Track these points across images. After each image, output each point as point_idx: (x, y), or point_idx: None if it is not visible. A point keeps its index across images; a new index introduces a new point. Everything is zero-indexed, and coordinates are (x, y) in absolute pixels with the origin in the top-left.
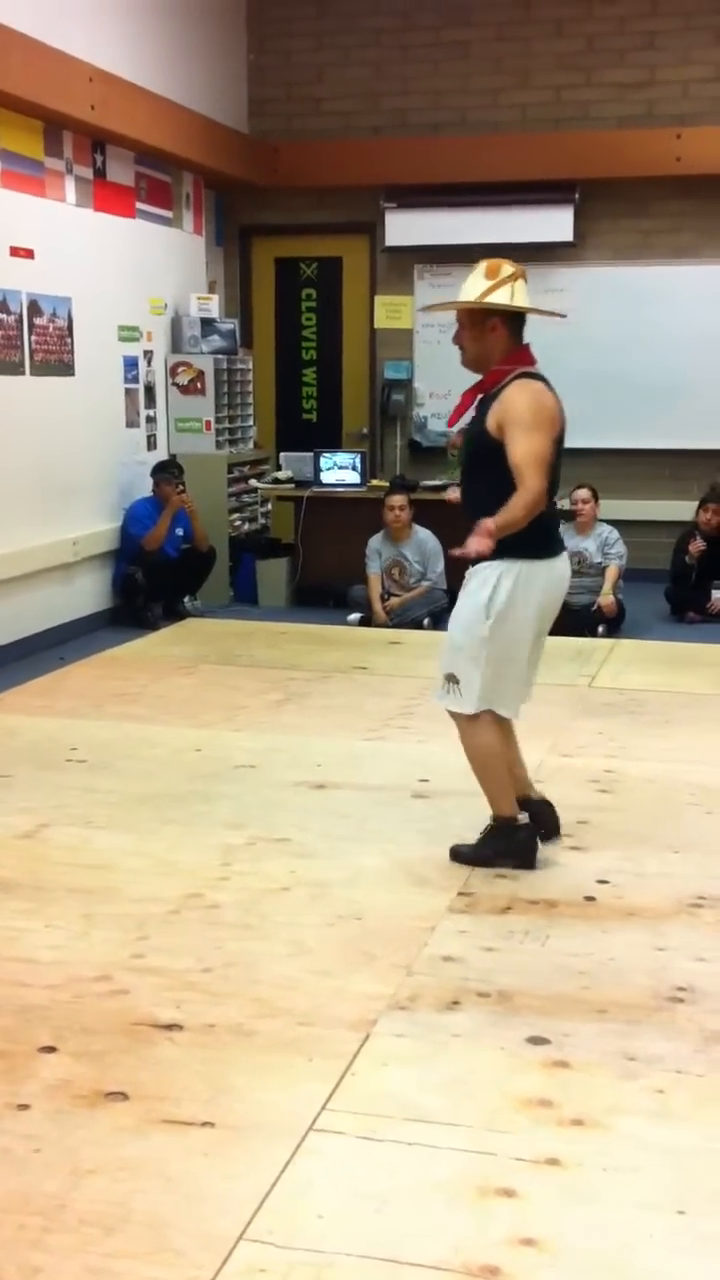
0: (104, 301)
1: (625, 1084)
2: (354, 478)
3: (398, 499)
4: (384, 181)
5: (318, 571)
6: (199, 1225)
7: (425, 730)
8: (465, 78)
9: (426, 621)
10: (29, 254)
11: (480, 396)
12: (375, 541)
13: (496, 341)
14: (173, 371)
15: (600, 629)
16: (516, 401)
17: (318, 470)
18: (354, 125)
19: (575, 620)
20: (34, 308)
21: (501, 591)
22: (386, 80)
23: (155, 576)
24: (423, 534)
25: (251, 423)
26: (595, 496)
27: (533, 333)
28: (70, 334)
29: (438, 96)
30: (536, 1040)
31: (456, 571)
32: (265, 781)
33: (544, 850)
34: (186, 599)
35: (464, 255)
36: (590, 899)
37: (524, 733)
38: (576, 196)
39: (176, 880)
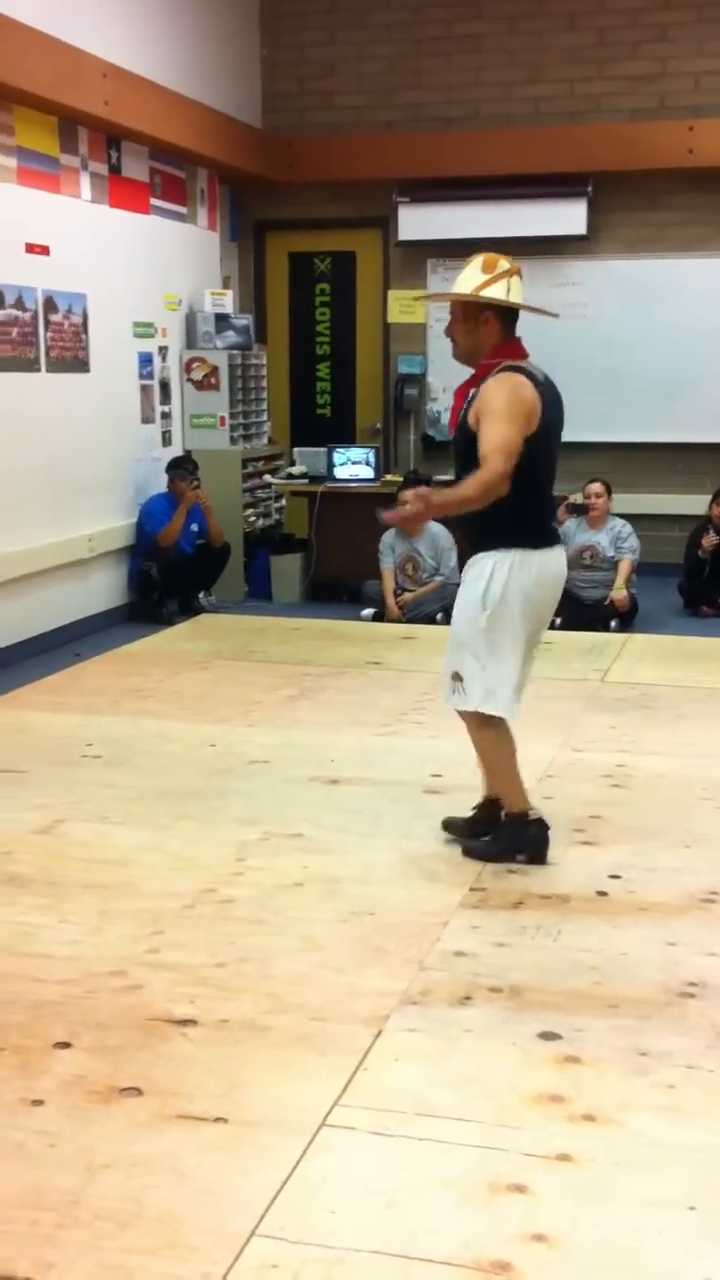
0: (119, 298)
1: (637, 1080)
2: (368, 473)
3: (411, 494)
4: (397, 176)
5: (332, 567)
6: (212, 1221)
7: (438, 725)
8: (478, 71)
9: (440, 616)
10: (44, 250)
11: (471, 391)
12: (389, 537)
13: (488, 335)
14: (187, 367)
15: (613, 623)
16: (493, 393)
17: (331, 465)
18: (367, 120)
19: (588, 615)
20: (49, 304)
21: (496, 582)
22: (399, 74)
23: (170, 572)
24: (436, 529)
25: (266, 418)
26: (608, 490)
27: (546, 327)
28: (85, 330)
29: (450, 91)
30: (548, 1036)
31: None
32: (279, 777)
33: (556, 846)
34: (201, 595)
35: (477, 249)
36: (602, 894)
37: (535, 727)
38: (589, 190)
39: (191, 876)
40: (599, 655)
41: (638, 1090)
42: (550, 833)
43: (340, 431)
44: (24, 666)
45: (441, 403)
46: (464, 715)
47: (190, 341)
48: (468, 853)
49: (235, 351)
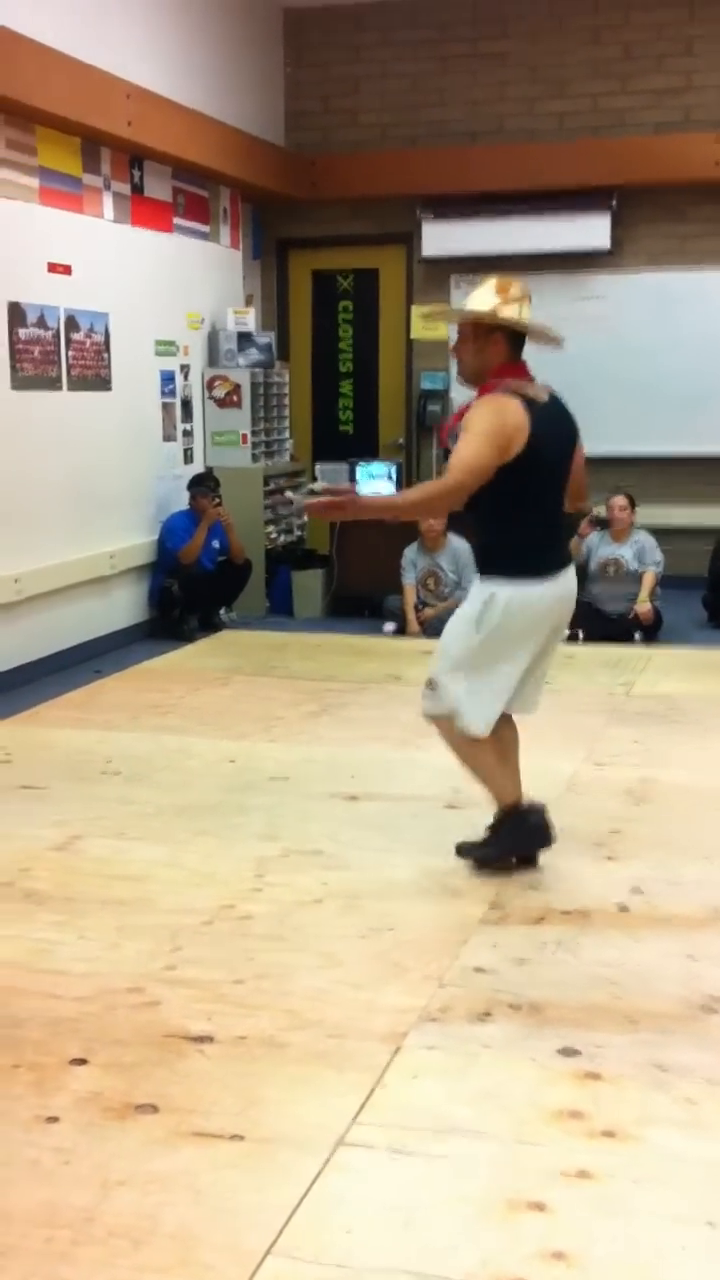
0: (141, 316)
1: (657, 1095)
2: (390, 488)
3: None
4: (420, 192)
5: (353, 582)
6: (227, 1239)
7: None
8: (501, 87)
9: None
10: (67, 270)
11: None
12: (410, 552)
13: (495, 357)
14: (209, 385)
15: (637, 636)
16: (476, 413)
17: (353, 481)
18: (390, 136)
19: (612, 628)
20: (71, 323)
21: (496, 609)
22: (423, 91)
23: (191, 589)
24: (458, 544)
25: (288, 435)
26: (632, 503)
27: (571, 341)
28: (107, 349)
29: (474, 106)
30: (568, 1052)
31: None
32: (299, 793)
33: (577, 861)
34: (223, 611)
35: (501, 265)
36: (623, 909)
37: (558, 740)
38: (613, 203)
39: (209, 891)
40: (623, 668)
41: (658, 1106)
42: (549, 815)
43: (362, 447)
44: (46, 682)
45: None
46: (437, 721)
47: (213, 359)
48: (470, 859)
49: (257, 369)
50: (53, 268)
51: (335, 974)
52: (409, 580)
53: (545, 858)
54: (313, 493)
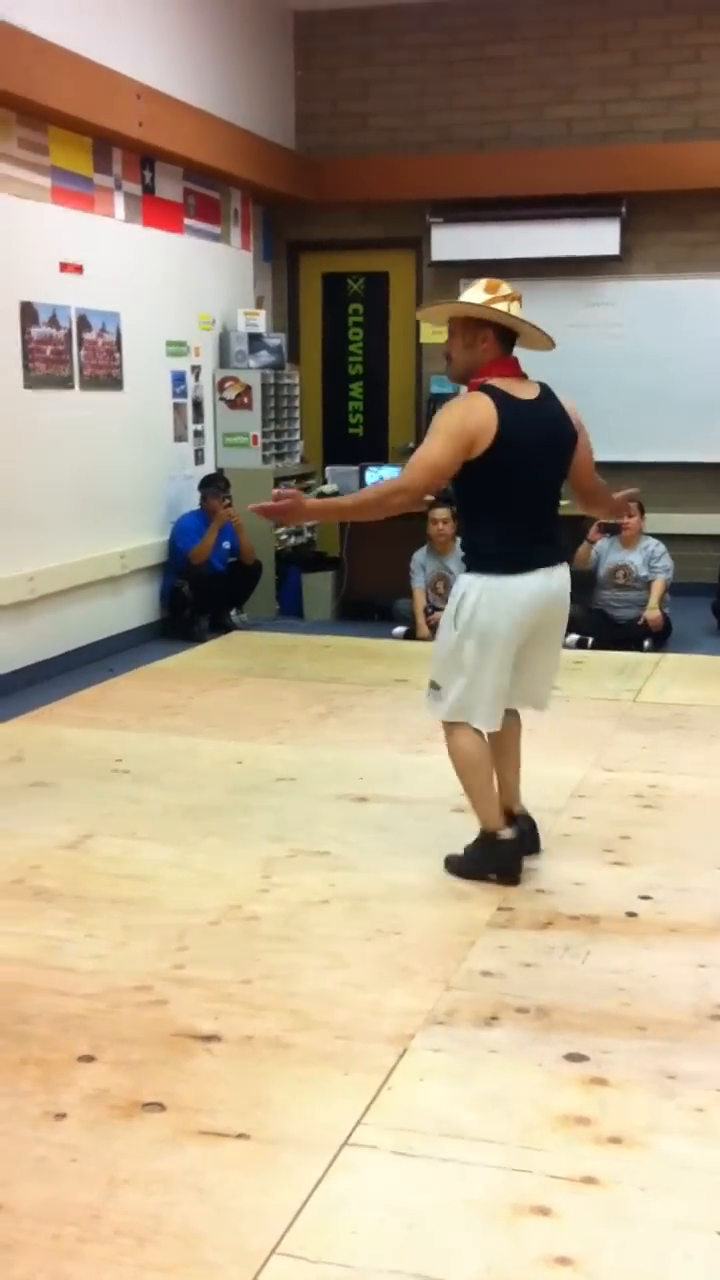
0: (152, 317)
1: (664, 1102)
2: None
3: (441, 513)
4: (430, 196)
5: (363, 585)
6: (232, 1238)
7: None
8: (509, 93)
9: None
10: (78, 269)
11: None
12: (420, 556)
13: (484, 355)
14: (220, 386)
15: (646, 643)
16: (444, 412)
17: (363, 484)
18: (400, 140)
19: (621, 634)
20: (83, 323)
21: (467, 605)
22: (431, 96)
23: (202, 590)
24: None
25: (298, 437)
26: (641, 510)
27: (582, 346)
28: (119, 349)
29: (482, 112)
30: (575, 1057)
31: None
32: (306, 794)
33: (586, 866)
34: (233, 612)
35: (511, 269)
36: (632, 915)
37: (566, 746)
38: (622, 210)
39: (217, 892)
40: (631, 675)
41: (665, 1113)
42: (522, 851)
43: (372, 450)
44: (57, 681)
45: None
46: (444, 725)
47: (223, 361)
48: (446, 865)
49: (268, 371)
50: (64, 267)
51: (342, 975)
52: (418, 584)
53: (553, 863)
54: (321, 494)
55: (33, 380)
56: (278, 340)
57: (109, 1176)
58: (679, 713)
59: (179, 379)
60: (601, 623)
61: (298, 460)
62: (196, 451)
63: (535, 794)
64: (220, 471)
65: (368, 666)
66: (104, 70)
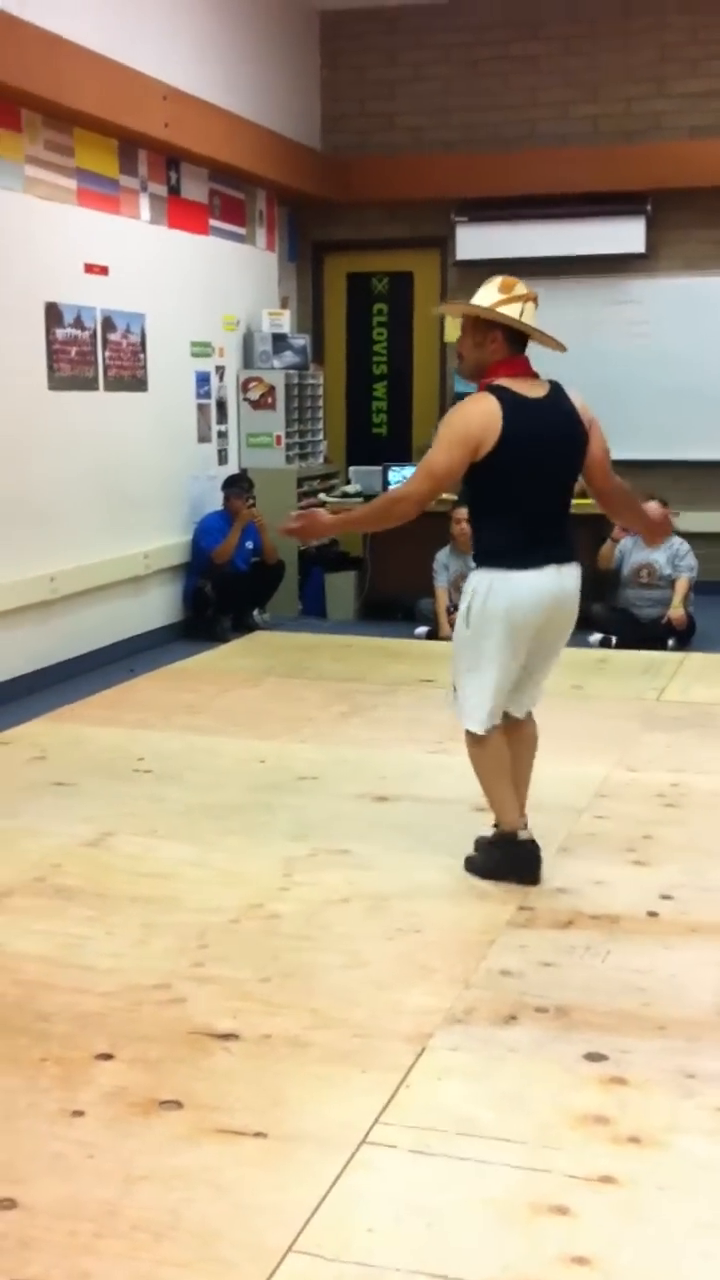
0: (177, 317)
1: (684, 1102)
2: None
3: (464, 512)
4: (455, 196)
5: (386, 585)
6: (248, 1236)
7: None
8: (534, 91)
9: None
10: (103, 270)
11: None
12: (443, 555)
13: (493, 354)
14: (244, 387)
15: (670, 642)
16: (448, 416)
17: (386, 484)
18: (425, 140)
19: (645, 633)
20: (108, 324)
21: (478, 599)
22: (457, 95)
23: (225, 589)
24: None
25: (322, 437)
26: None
27: (608, 344)
28: (143, 350)
29: (508, 110)
30: (594, 1056)
31: None
32: (328, 793)
33: (607, 866)
34: (255, 612)
35: (536, 268)
36: (653, 914)
37: (590, 745)
38: (648, 208)
39: (237, 890)
40: (655, 674)
41: (684, 1113)
42: (541, 852)
43: (396, 450)
44: (79, 681)
45: None
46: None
47: (248, 361)
48: (466, 865)
49: (292, 371)
50: (90, 268)
51: (361, 974)
52: (441, 583)
53: (575, 862)
54: (345, 494)
55: (57, 381)
56: (302, 340)
57: (126, 1173)
58: (703, 712)
59: (203, 379)
60: (625, 621)
61: (321, 460)
62: (220, 452)
63: (558, 793)
64: (244, 472)
65: (390, 666)
66: (130, 72)
